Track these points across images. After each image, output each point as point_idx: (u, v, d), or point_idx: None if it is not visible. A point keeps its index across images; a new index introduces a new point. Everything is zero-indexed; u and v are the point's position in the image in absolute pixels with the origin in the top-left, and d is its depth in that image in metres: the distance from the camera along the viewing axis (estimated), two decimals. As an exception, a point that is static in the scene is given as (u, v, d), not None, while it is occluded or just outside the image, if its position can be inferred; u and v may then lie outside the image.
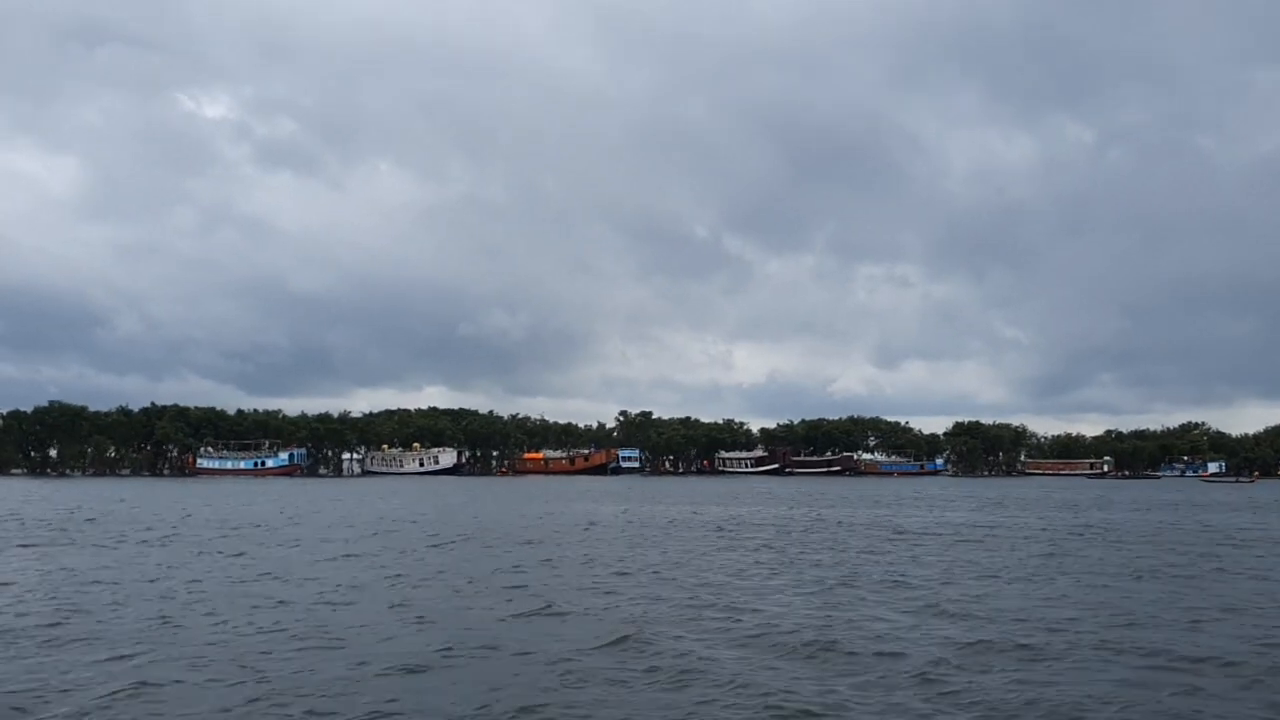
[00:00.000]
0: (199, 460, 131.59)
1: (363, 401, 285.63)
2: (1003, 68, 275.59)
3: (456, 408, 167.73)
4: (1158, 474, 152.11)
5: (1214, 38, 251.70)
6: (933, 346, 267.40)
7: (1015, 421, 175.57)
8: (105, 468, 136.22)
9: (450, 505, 50.80)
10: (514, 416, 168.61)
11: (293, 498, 58.92)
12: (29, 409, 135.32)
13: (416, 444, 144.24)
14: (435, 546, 25.77)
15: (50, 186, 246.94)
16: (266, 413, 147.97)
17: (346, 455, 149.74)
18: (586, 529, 33.38)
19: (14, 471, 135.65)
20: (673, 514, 42.81)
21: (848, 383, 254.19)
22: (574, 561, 22.54)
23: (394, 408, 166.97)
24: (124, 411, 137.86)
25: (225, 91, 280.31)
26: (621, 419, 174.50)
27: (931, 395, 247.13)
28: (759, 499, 60.41)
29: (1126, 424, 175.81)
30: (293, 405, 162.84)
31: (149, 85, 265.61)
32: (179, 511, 42.13)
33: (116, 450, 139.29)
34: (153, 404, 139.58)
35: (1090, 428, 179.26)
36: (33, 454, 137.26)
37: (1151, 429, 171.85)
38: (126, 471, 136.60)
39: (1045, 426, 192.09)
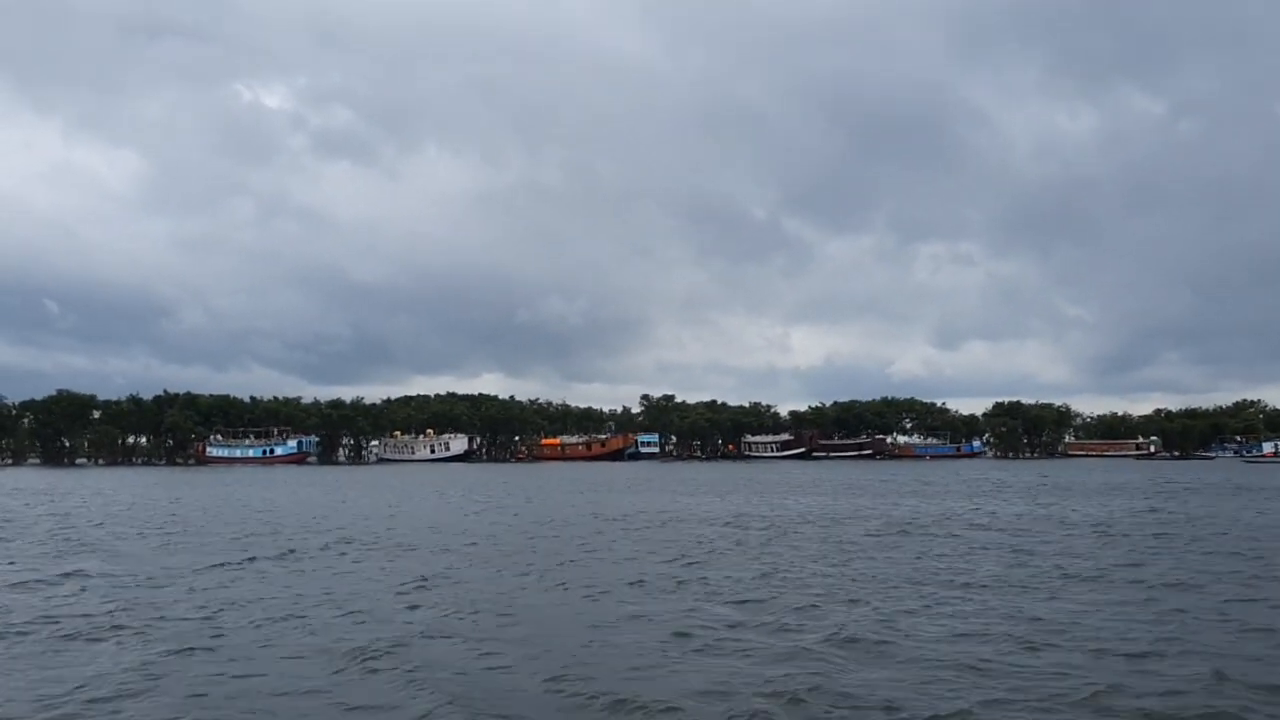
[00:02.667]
0: (208, 449, 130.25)
1: (421, 388, 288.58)
2: (1066, 38, 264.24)
3: (475, 393, 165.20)
4: (1209, 454, 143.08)
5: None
6: (994, 326, 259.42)
7: (1077, 401, 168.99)
8: (119, 457, 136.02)
9: (390, 499, 47.06)
10: (533, 401, 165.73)
11: (235, 491, 55.78)
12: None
13: (429, 430, 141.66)
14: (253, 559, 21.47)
15: (113, 181, 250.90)
16: (280, 400, 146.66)
17: (374, 441, 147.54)
18: (455, 521, 29.05)
19: (31, 460, 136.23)
20: (622, 505, 38.34)
21: (906, 364, 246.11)
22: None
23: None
24: (134, 400, 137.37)
25: (281, 82, 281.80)
26: (645, 403, 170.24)
27: (992, 376, 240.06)
28: (735, 487, 55.57)
29: (1194, 403, 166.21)
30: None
31: (207, 77, 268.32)
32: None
33: (136, 437, 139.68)
34: (165, 391, 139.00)
35: (1152, 407, 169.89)
36: (56, 444, 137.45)
37: (1204, 407, 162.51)
38: (140, 460, 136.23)
39: (1108, 406, 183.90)
